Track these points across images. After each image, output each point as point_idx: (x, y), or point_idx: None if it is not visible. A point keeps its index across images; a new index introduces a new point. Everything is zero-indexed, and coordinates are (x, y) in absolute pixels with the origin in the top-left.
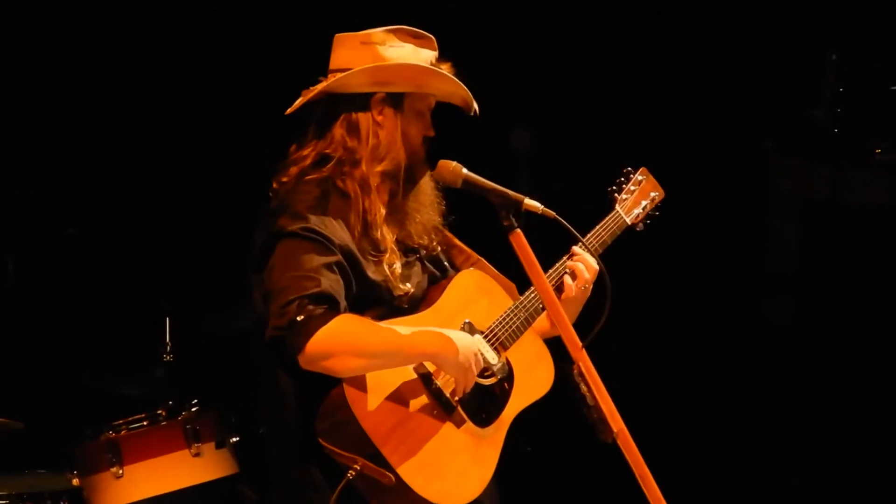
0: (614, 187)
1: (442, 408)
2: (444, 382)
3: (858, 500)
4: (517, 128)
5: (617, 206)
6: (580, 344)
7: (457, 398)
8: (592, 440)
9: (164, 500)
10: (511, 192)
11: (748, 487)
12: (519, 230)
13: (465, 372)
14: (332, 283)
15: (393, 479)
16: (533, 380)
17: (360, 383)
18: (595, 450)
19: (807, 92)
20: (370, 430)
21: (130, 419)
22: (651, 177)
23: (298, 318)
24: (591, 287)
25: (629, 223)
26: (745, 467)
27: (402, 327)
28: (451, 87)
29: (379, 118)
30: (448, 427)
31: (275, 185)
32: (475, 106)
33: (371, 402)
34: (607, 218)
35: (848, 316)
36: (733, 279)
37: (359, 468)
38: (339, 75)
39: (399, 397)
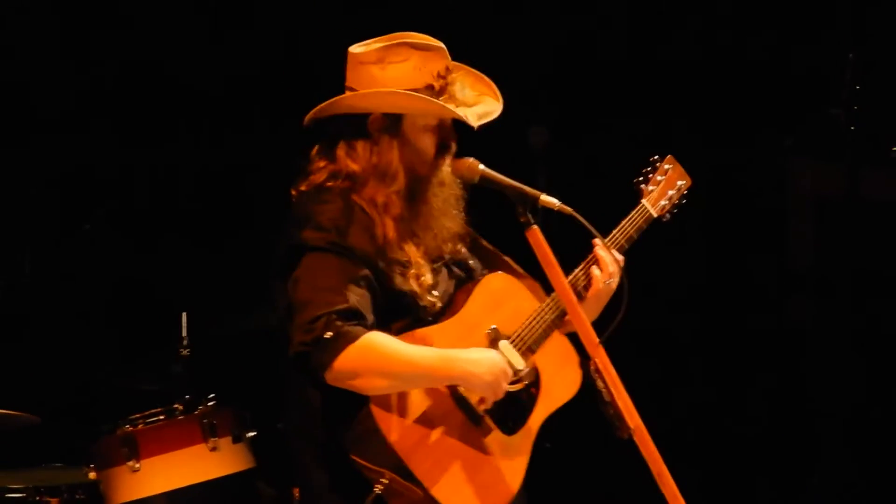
0: (640, 178)
1: (468, 418)
2: (470, 392)
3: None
4: (535, 125)
5: (643, 200)
6: (597, 340)
7: (483, 408)
8: (610, 437)
9: (180, 494)
10: (528, 189)
11: (765, 488)
12: (536, 227)
13: (493, 391)
14: (359, 297)
15: (421, 494)
16: (559, 383)
17: (385, 396)
18: (612, 446)
19: (824, 91)
20: (397, 444)
21: (147, 413)
22: (678, 165)
23: (326, 336)
24: (617, 280)
25: (655, 215)
26: (764, 469)
27: (427, 349)
28: (437, 110)
29: (377, 139)
30: (475, 437)
31: (293, 193)
32: (474, 123)
33: (397, 416)
34: (633, 212)
35: (866, 314)
36: (752, 278)
37: (387, 482)
38: (330, 101)
39: (425, 409)
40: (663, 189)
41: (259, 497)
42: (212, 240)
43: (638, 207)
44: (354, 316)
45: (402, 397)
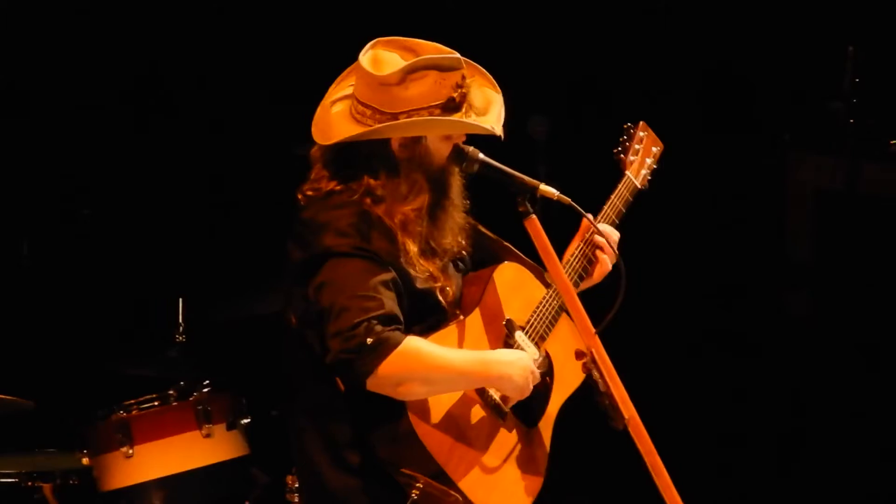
0: (619, 148)
1: (495, 415)
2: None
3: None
4: (534, 115)
5: (627, 171)
6: (593, 330)
7: (509, 405)
8: (604, 427)
9: (173, 480)
10: (527, 178)
11: (759, 480)
12: (534, 216)
13: (523, 392)
14: (391, 301)
15: (460, 498)
16: (570, 369)
17: (420, 399)
18: (607, 437)
19: (824, 84)
20: (434, 448)
21: (141, 399)
22: (651, 131)
23: (368, 341)
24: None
25: (640, 186)
26: (758, 462)
27: (463, 352)
28: (475, 130)
29: (402, 162)
30: (502, 433)
31: (299, 197)
32: (500, 132)
33: (432, 419)
34: (619, 185)
35: (864, 308)
36: (750, 271)
37: (422, 486)
38: (373, 128)
39: (455, 410)
40: (642, 158)
41: (253, 484)
42: (208, 225)
43: (623, 180)
44: (393, 321)
45: (434, 399)
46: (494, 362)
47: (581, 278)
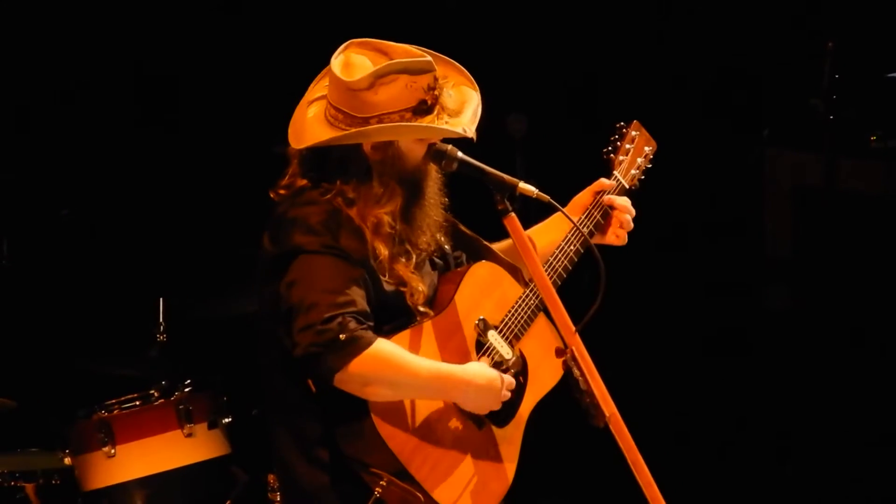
0: (609, 147)
1: (463, 415)
2: None
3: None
4: (513, 113)
5: (616, 171)
6: (573, 328)
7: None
8: (584, 425)
9: (155, 480)
10: (506, 176)
11: (742, 476)
12: (513, 214)
13: (486, 409)
14: (362, 298)
15: (422, 497)
16: (546, 369)
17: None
18: (587, 435)
19: (803, 80)
20: (396, 448)
21: (123, 399)
22: (644, 130)
23: (341, 337)
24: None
25: (627, 186)
26: (739, 458)
27: (432, 363)
28: (449, 134)
29: (375, 166)
30: (470, 432)
31: (272, 196)
32: (473, 135)
33: (396, 418)
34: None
35: (844, 305)
36: (730, 267)
37: (385, 484)
38: (322, 138)
39: (421, 409)
40: (633, 158)
41: (234, 483)
42: (188, 225)
43: (611, 180)
44: (366, 318)
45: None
46: (458, 381)
47: (566, 271)
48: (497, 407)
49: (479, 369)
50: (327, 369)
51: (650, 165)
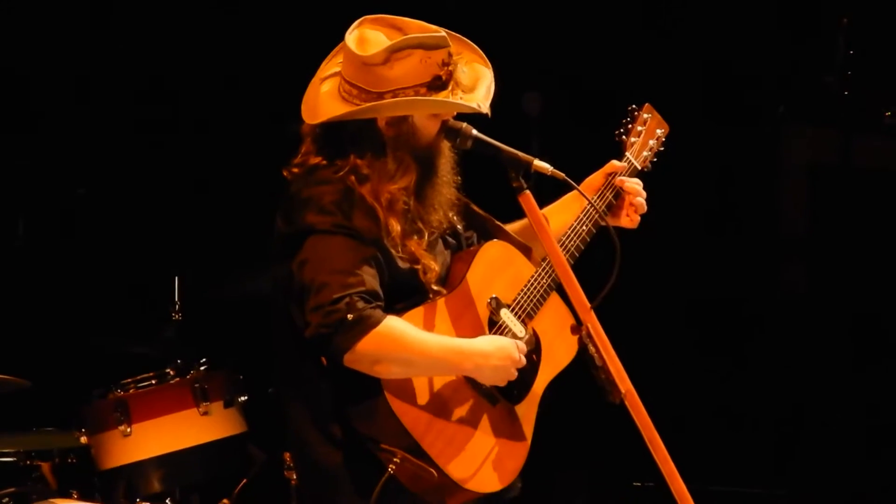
0: (621, 129)
1: (476, 391)
2: None
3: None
4: (528, 91)
5: (627, 153)
6: (589, 305)
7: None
8: (601, 402)
9: (171, 458)
10: (521, 154)
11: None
12: (528, 191)
13: (503, 379)
14: (373, 278)
15: (435, 473)
16: (559, 347)
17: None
18: (604, 411)
19: (818, 57)
20: (409, 423)
21: (139, 378)
22: (656, 113)
23: (349, 317)
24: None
25: (640, 168)
26: (753, 436)
27: (443, 338)
28: (464, 109)
29: (389, 141)
30: (483, 408)
31: (285, 174)
32: (488, 111)
33: (409, 395)
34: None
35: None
36: (745, 245)
37: (398, 461)
38: (336, 113)
39: (434, 386)
40: (645, 140)
41: (250, 461)
42: (204, 204)
43: (623, 162)
44: (374, 297)
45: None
46: (471, 353)
47: (578, 251)
48: (513, 377)
49: (490, 340)
50: (337, 349)
51: (662, 148)
